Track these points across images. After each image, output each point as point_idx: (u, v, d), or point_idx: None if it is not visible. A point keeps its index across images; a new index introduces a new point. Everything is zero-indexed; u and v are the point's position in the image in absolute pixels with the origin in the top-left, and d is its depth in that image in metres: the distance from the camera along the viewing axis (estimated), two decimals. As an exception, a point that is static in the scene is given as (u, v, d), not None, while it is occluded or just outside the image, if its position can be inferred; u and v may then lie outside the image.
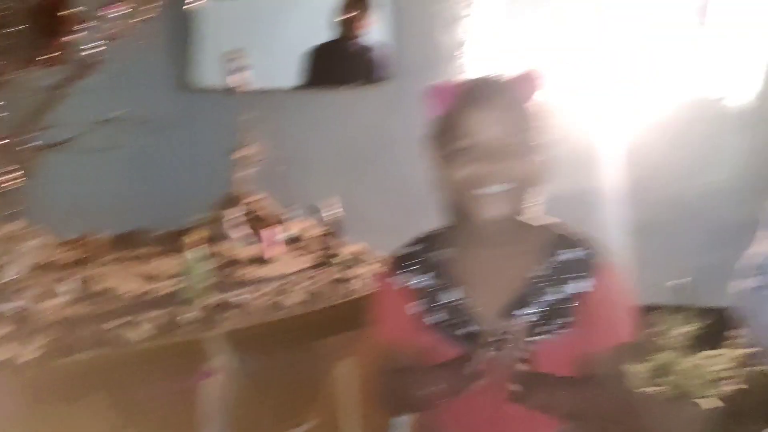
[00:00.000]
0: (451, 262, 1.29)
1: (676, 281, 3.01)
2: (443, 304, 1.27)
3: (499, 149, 1.19)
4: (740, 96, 3.32)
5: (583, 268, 1.24)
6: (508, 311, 1.23)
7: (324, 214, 2.32)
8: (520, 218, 1.26)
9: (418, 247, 1.34)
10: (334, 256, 2.28)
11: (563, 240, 1.27)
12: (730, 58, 3.34)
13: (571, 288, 1.22)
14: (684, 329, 2.85)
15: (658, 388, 2.78)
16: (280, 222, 2.54)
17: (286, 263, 2.31)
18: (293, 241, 2.50)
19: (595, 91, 3.25)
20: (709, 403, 2.73)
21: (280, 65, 5.02)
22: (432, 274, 1.29)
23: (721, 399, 2.69)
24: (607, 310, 1.23)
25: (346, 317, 2.00)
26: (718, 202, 3.11)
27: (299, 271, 2.23)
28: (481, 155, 1.19)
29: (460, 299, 1.26)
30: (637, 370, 2.85)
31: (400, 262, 1.34)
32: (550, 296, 1.23)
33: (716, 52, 3.38)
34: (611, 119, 3.27)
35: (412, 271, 1.31)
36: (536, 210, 1.27)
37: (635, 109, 3.29)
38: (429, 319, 1.28)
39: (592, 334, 1.22)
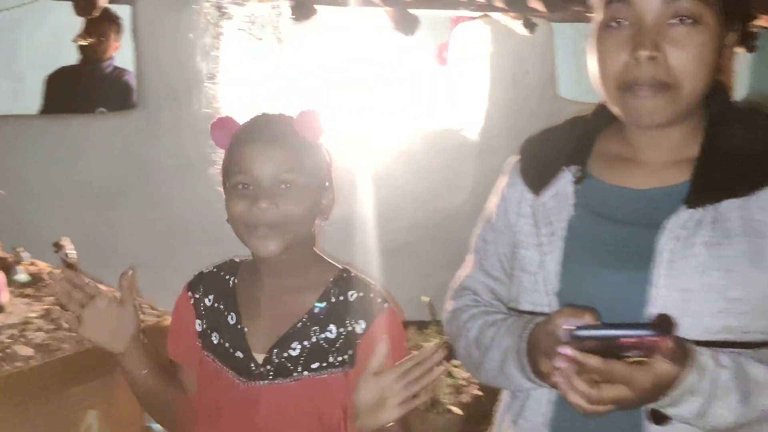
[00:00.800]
0: (238, 288, 1.32)
1: (425, 298, 3.27)
2: (221, 327, 1.30)
3: (272, 188, 1.20)
4: (476, 127, 3.70)
5: (360, 309, 1.25)
6: (280, 343, 1.25)
7: (63, 253, 2.15)
8: (305, 253, 1.29)
9: (218, 269, 1.36)
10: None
11: (345, 280, 1.30)
12: (468, 93, 3.72)
13: (346, 328, 1.24)
14: (432, 342, 3.10)
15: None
16: (10, 264, 2.30)
17: (19, 310, 2.09)
18: (27, 284, 2.28)
19: (345, 124, 3.41)
20: (458, 409, 2.98)
21: (13, 90, 4.58)
22: (219, 296, 1.32)
23: (461, 405, 2.96)
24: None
25: (89, 365, 1.86)
26: (457, 225, 3.42)
27: (34, 318, 2.04)
28: (253, 193, 1.20)
29: (235, 325, 1.29)
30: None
31: (197, 280, 1.36)
32: (325, 334, 1.25)
33: (455, 87, 3.74)
34: (362, 150, 3.46)
35: (203, 290, 1.34)
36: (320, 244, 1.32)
37: (384, 141, 3.52)
38: (208, 341, 1.31)
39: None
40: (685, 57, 1.00)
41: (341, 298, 1.27)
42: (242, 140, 1.24)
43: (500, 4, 2.83)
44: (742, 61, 4.69)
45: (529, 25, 2.97)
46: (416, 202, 3.55)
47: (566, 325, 0.93)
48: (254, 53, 2.61)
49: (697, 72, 1.01)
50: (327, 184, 1.29)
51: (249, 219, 1.20)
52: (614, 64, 1.03)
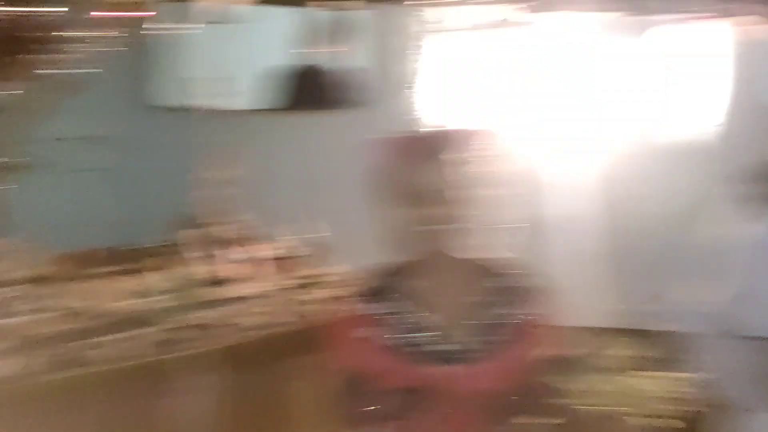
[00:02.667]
0: (410, 291, 1.42)
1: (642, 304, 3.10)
2: (409, 327, 1.40)
3: (440, 195, 1.34)
4: (702, 131, 3.44)
5: (516, 293, 1.42)
6: (462, 331, 1.38)
7: (301, 236, 2.31)
8: (464, 250, 1.39)
9: (382, 276, 1.46)
10: (303, 278, 2.27)
11: (499, 269, 1.44)
12: (694, 97, 3.46)
13: (507, 311, 1.40)
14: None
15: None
16: (247, 242, 2.55)
17: (250, 284, 2.31)
18: (261, 262, 2.51)
19: (565, 129, 3.37)
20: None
21: (245, 87, 5.01)
22: (395, 301, 1.42)
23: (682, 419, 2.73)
24: (536, 330, 1.42)
25: (306, 339, 2.03)
26: (671, 232, 3.22)
27: (263, 293, 2.24)
28: (425, 201, 1.34)
29: (424, 323, 1.39)
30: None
31: (366, 291, 1.46)
32: (490, 319, 1.39)
33: (681, 91, 3.50)
34: (581, 155, 3.39)
35: (377, 298, 1.43)
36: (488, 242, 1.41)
37: (602, 145, 3.42)
38: (394, 342, 1.40)
39: (524, 353, 1.40)
40: None
41: (499, 284, 1.43)
42: (409, 155, 1.37)
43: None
44: None
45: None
46: (632, 208, 3.39)
47: None
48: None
49: None
50: (478, 188, 1.38)
51: (423, 222, 1.34)
52: None
